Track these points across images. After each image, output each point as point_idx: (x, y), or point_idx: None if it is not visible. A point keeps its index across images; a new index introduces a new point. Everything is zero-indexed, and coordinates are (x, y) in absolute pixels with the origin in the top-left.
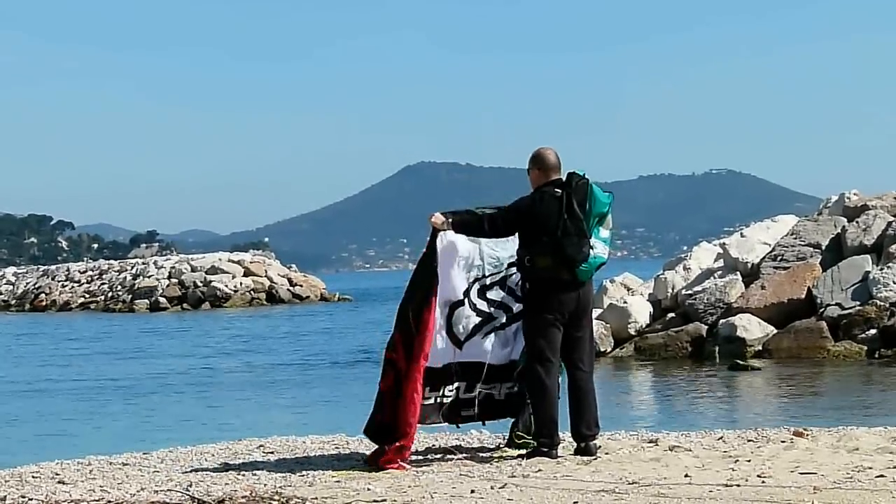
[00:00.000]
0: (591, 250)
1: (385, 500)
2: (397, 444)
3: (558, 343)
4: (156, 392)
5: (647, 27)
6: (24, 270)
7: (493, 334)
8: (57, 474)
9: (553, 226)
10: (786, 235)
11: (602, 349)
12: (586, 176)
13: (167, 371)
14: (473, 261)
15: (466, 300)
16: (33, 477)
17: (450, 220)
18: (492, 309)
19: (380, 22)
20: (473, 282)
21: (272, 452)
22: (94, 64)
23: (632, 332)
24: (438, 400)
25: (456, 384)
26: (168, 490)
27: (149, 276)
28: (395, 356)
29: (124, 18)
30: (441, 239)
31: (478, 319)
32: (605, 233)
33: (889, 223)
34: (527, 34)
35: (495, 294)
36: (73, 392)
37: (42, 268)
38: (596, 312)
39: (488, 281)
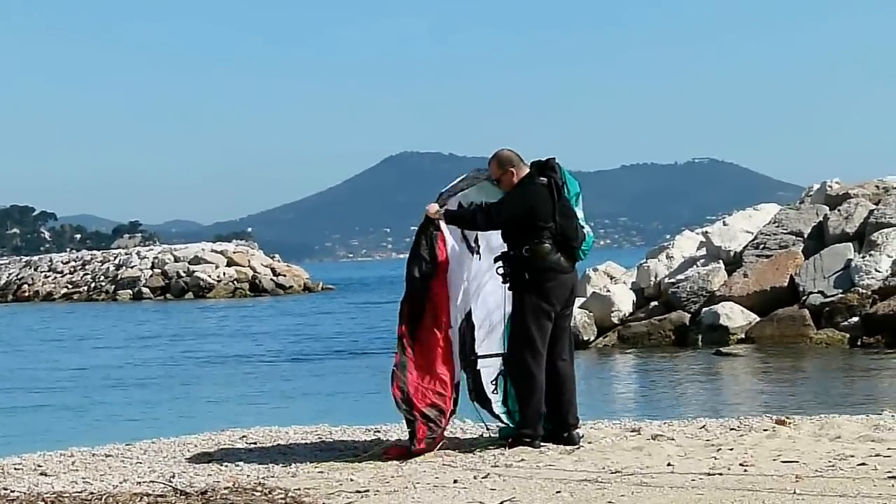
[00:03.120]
0: (582, 230)
1: (368, 491)
2: (446, 414)
3: (548, 335)
4: (137, 383)
5: (630, 15)
6: (7, 261)
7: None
8: (39, 466)
9: (549, 213)
10: (768, 224)
11: (585, 338)
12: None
13: (148, 361)
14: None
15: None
16: (15, 469)
17: (443, 210)
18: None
19: (364, 11)
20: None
21: (255, 443)
22: (78, 56)
23: (615, 320)
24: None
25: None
26: (151, 482)
27: (132, 267)
28: (405, 329)
29: (110, 12)
30: (446, 237)
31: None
32: (580, 213)
33: (871, 211)
34: (508, 23)
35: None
36: (53, 383)
37: (25, 258)
38: (579, 301)
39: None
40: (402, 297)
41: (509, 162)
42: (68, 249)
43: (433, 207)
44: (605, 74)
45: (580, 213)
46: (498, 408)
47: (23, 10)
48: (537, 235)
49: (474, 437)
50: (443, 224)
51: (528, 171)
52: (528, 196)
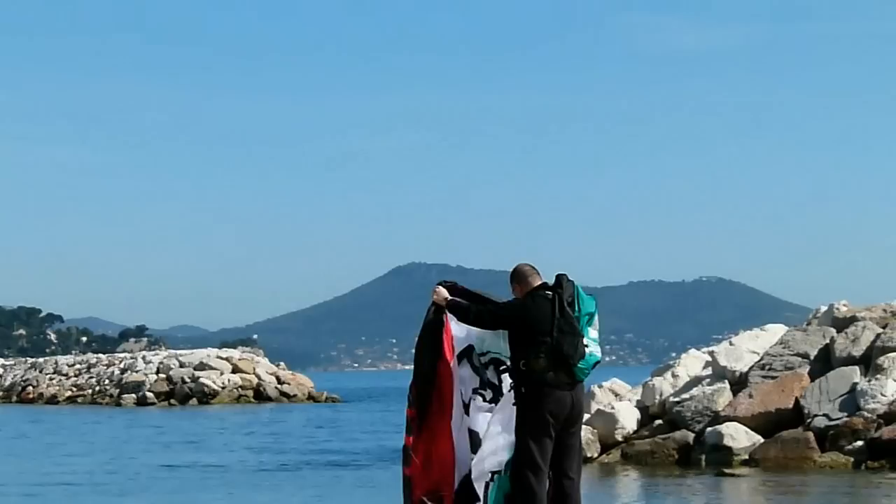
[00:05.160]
0: (585, 348)
1: None
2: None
3: (550, 451)
4: (145, 487)
5: (638, 141)
6: (12, 362)
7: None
8: None
9: (547, 326)
10: (774, 345)
11: (589, 454)
12: (570, 278)
13: (155, 466)
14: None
15: (465, 359)
16: None
17: (448, 299)
18: (486, 379)
19: (371, 122)
20: (469, 347)
21: None
22: (86, 161)
23: (619, 437)
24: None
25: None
26: None
27: (137, 371)
28: (413, 412)
29: (116, 120)
30: (452, 326)
31: (476, 382)
32: (593, 333)
33: (877, 335)
34: (519, 142)
35: (490, 373)
36: (61, 485)
37: (30, 360)
38: (584, 417)
39: (482, 356)
40: (410, 381)
41: (514, 277)
42: (74, 352)
43: (443, 293)
44: (616, 190)
45: (593, 333)
46: None
47: (36, 114)
48: (535, 349)
49: None
50: (450, 314)
51: (538, 284)
52: (525, 307)
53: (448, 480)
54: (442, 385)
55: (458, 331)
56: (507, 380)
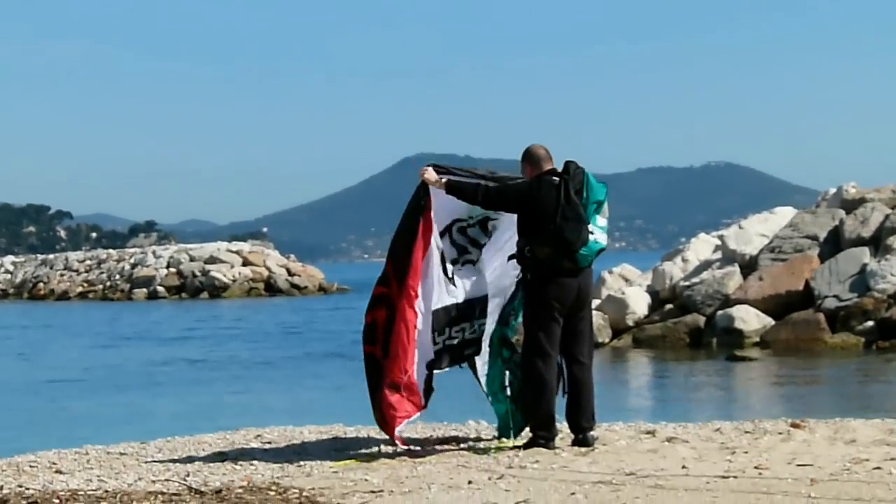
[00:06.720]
0: (589, 235)
1: (382, 491)
2: (403, 394)
3: (558, 336)
4: (152, 381)
5: (646, 23)
6: (23, 259)
7: (467, 267)
8: (54, 463)
9: (551, 211)
10: (784, 227)
11: (600, 340)
12: (582, 166)
13: (164, 360)
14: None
15: (446, 235)
16: (30, 466)
17: (443, 179)
18: (467, 245)
19: (382, 14)
20: (453, 223)
21: (270, 443)
22: (94, 55)
23: (630, 322)
24: (446, 343)
25: (461, 325)
26: (166, 480)
27: (147, 266)
28: (388, 290)
29: (125, 14)
30: (435, 196)
31: (455, 253)
32: (602, 221)
33: (887, 216)
34: (526, 29)
35: (474, 232)
36: (68, 381)
37: (41, 257)
38: (594, 303)
39: (469, 223)
40: (387, 260)
41: (526, 157)
42: (84, 248)
43: (432, 175)
44: (623, 78)
45: (602, 222)
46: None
47: (50, 11)
48: (538, 235)
49: (489, 438)
50: (435, 201)
51: (549, 168)
52: (531, 189)
53: (408, 363)
54: (412, 269)
55: (441, 206)
56: (498, 230)
